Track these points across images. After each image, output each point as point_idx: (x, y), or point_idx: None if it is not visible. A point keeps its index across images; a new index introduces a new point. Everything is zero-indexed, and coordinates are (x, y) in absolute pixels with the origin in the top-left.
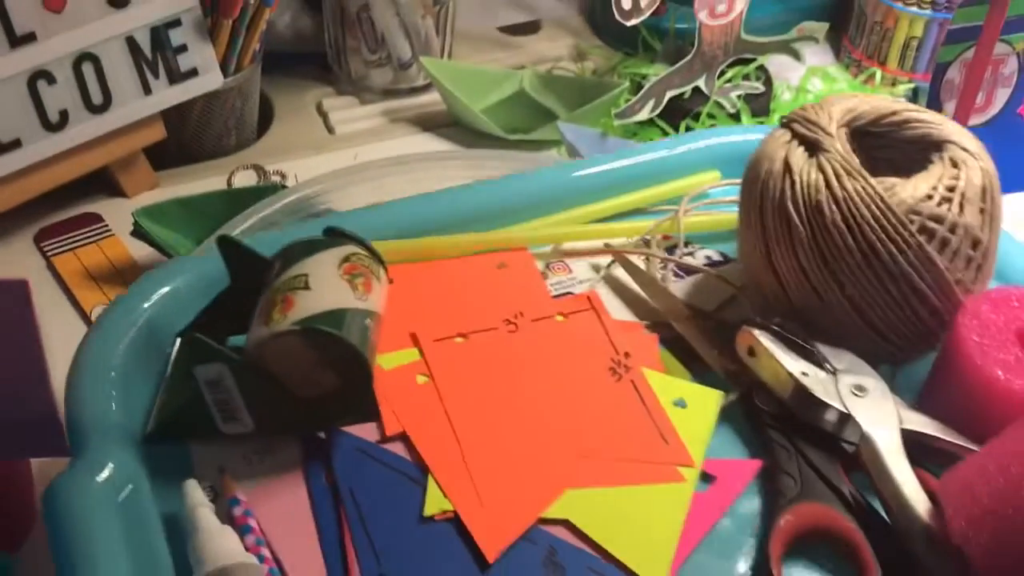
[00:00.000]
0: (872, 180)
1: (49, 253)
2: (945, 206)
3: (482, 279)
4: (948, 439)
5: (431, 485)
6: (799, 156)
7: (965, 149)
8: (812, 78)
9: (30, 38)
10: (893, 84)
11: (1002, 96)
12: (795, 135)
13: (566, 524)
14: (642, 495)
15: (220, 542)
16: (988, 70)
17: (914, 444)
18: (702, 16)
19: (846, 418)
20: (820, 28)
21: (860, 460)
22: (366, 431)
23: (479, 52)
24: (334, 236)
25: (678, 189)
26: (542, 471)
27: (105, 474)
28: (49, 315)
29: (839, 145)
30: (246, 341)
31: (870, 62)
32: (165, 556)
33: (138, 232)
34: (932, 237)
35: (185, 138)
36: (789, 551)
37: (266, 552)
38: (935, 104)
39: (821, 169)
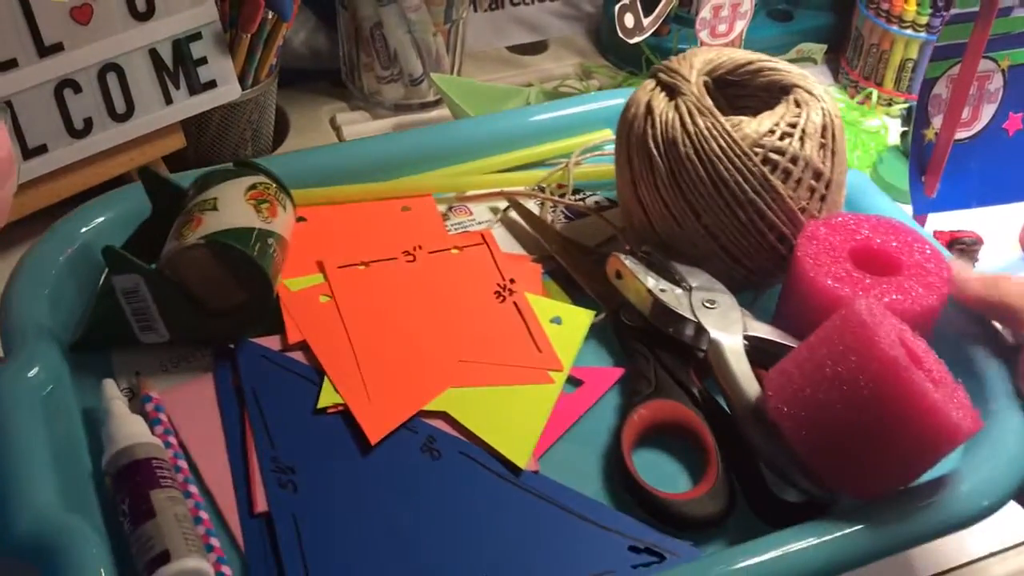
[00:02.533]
0: (721, 118)
1: None
2: (787, 140)
3: (387, 220)
4: (785, 343)
5: (325, 383)
6: (660, 100)
7: (809, 92)
8: None
9: (58, 48)
10: (889, 104)
11: (988, 111)
12: (659, 83)
13: (445, 417)
14: (515, 394)
15: (129, 426)
16: (974, 86)
17: (760, 352)
18: (703, 36)
19: (700, 330)
20: (818, 49)
21: (708, 362)
22: (271, 341)
23: (488, 70)
24: (243, 167)
25: (573, 145)
26: (426, 372)
27: (32, 372)
28: None
29: (695, 89)
30: (161, 255)
31: (867, 83)
32: (81, 442)
33: None
34: (775, 167)
35: (203, 148)
36: (642, 440)
37: (173, 440)
38: (923, 118)
39: (677, 110)
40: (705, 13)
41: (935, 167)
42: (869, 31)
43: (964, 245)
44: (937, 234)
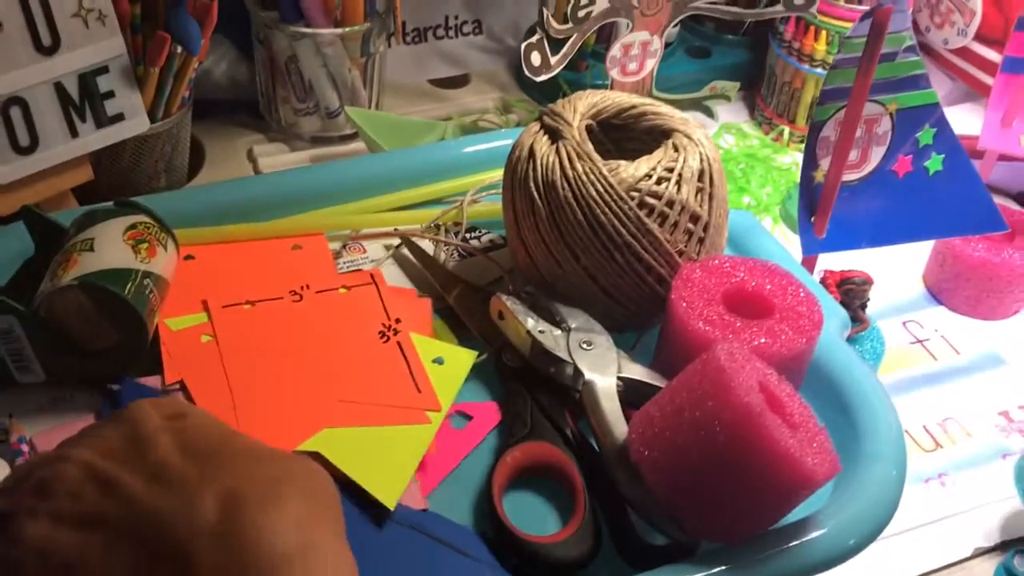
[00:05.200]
0: (600, 162)
1: None
2: (664, 184)
3: (277, 259)
4: (658, 384)
5: None
6: (543, 143)
7: (688, 137)
8: (724, 134)
9: None
10: (801, 141)
11: (877, 154)
12: (543, 126)
13: (318, 457)
14: (391, 434)
15: None
16: (862, 129)
17: (635, 393)
18: (614, 73)
19: (577, 371)
20: (731, 87)
21: (582, 402)
22: (153, 381)
23: (409, 103)
24: (124, 207)
25: (469, 184)
26: (303, 412)
27: None
28: None
29: (576, 133)
30: (36, 296)
31: (780, 120)
32: None
33: None
34: (651, 211)
35: (116, 179)
36: (515, 482)
37: None
38: (811, 160)
39: (558, 153)
40: (615, 51)
41: (824, 208)
42: (782, 69)
43: (854, 285)
44: (828, 273)
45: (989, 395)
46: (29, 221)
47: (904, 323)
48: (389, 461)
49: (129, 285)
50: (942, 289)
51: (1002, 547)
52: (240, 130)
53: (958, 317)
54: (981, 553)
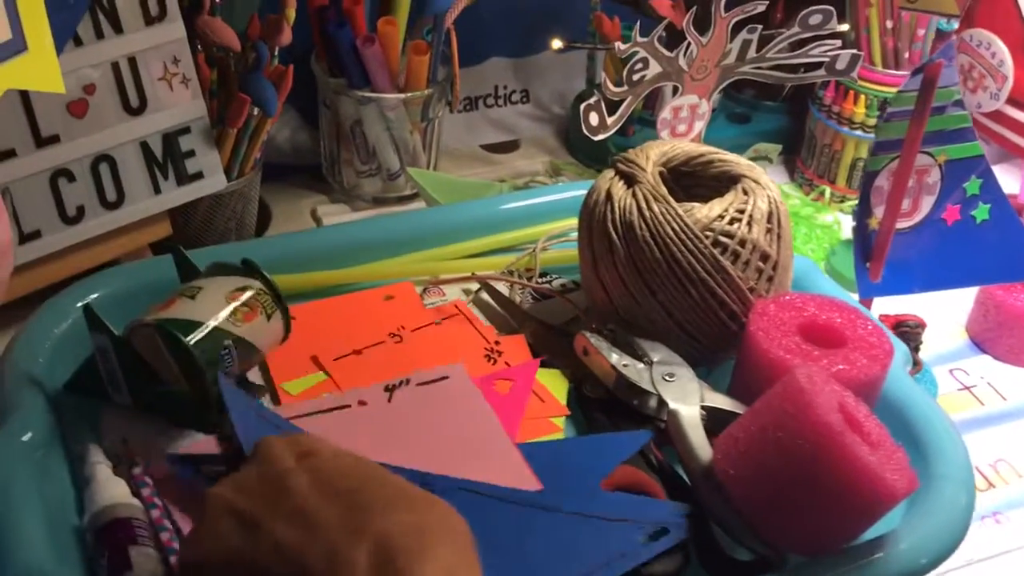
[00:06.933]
0: (675, 204)
1: None
2: (736, 225)
3: (371, 309)
4: (740, 412)
5: None
6: (619, 187)
7: (756, 182)
8: None
9: (54, 140)
10: (842, 200)
11: (927, 203)
12: (618, 172)
13: None
14: None
15: (109, 488)
16: (913, 179)
17: (717, 421)
18: (664, 134)
19: (661, 402)
20: (773, 149)
21: (667, 431)
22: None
23: (462, 167)
24: (249, 269)
25: (540, 232)
26: None
27: (26, 437)
28: None
29: (651, 178)
30: None
31: (821, 181)
32: (70, 501)
33: None
34: (725, 250)
35: (189, 236)
36: None
37: (158, 502)
38: (866, 208)
39: (635, 196)
40: (665, 114)
41: (878, 254)
42: (821, 132)
43: (908, 328)
44: (882, 318)
45: None
46: (176, 259)
47: (951, 371)
48: None
49: (204, 341)
50: (985, 339)
51: None
52: (304, 191)
53: (1002, 365)
54: None
